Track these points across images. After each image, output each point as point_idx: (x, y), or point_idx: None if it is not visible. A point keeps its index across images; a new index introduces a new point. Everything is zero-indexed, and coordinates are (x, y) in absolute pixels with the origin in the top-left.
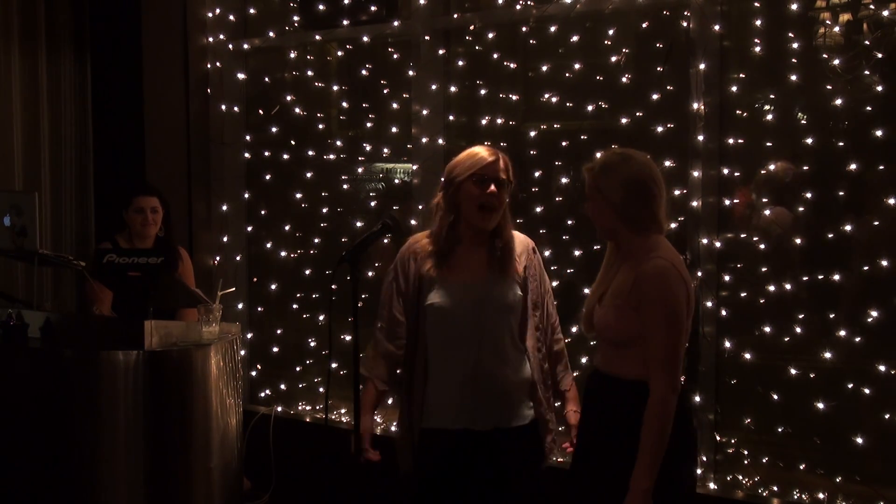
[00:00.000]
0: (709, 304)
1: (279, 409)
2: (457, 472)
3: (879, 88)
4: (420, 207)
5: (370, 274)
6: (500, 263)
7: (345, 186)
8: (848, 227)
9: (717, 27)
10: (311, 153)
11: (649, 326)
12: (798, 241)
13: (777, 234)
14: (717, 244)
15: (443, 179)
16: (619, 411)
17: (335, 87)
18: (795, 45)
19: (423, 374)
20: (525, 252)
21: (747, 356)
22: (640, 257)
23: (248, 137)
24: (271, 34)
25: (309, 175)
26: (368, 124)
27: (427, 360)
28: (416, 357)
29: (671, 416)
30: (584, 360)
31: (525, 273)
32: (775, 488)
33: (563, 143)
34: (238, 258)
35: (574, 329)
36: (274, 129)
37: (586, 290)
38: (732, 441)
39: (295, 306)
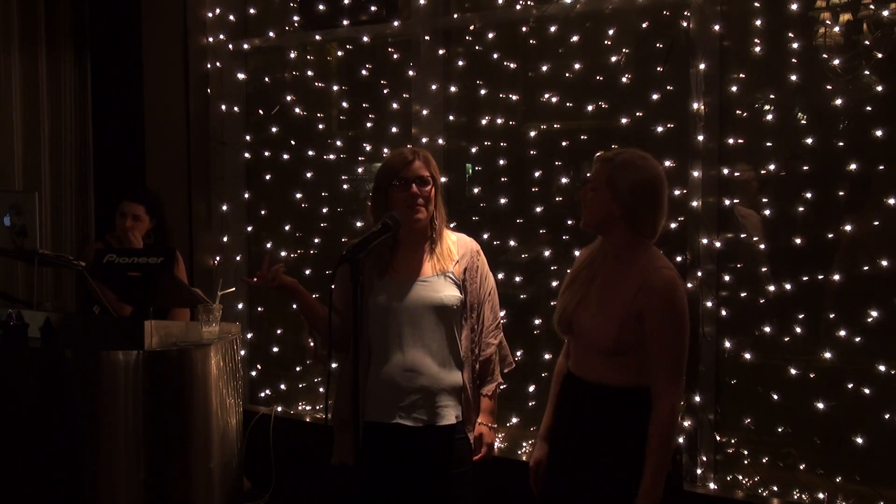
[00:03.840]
0: (709, 304)
1: (279, 409)
2: (390, 465)
3: (879, 88)
4: None
5: None
6: (439, 263)
7: (345, 186)
8: (848, 227)
9: (717, 27)
10: (311, 153)
11: (659, 338)
12: (799, 241)
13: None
14: (717, 244)
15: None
16: (615, 421)
17: (335, 87)
18: (795, 45)
19: (366, 369)
20: (467, 254)
21: (747, 356)
22: (638, 265)
23: (248, 137)
24: (271, 34)
25: (309, 175)
26: (368, 124)
27: (370, 355)
28: (361, 352)
29: (677, 429)
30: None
31: (464, 275)
32: (775, 488)
33: (563, 143)
34: (238, 258)
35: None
36: (274, 129)
37: None
38: (732, 441)
39: (295, 306)
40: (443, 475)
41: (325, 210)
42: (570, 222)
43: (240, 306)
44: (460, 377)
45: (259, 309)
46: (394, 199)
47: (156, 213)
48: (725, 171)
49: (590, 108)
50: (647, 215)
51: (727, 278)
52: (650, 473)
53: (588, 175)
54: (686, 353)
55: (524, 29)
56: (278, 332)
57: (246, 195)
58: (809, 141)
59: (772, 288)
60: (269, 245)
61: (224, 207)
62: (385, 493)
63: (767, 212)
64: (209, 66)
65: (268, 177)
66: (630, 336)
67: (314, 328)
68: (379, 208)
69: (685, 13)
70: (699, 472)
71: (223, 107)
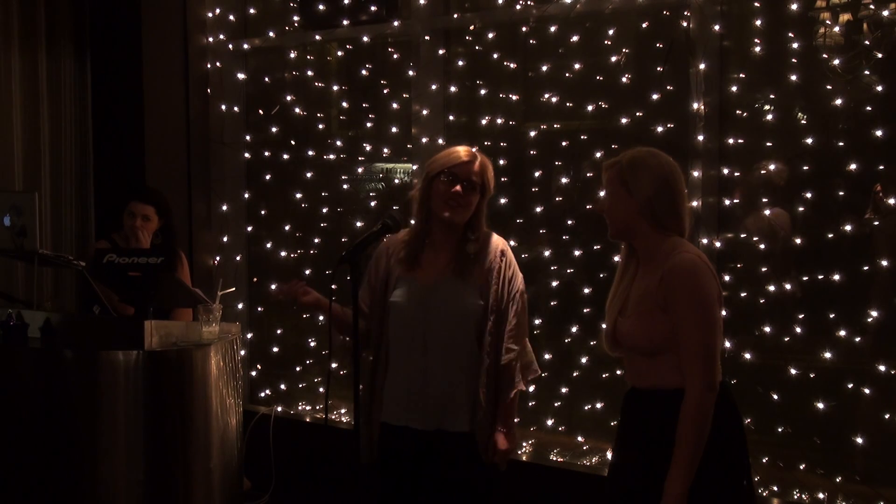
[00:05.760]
0: None
1: (279, 409)
2: (404, 467)
3: (879, 88)
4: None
5: None
6: (462, 267)
7: (345, 186)
8: (848, 227)
9: (717, 27)
10: (311, 153)
11: (681, 322)
12: (798, 240)
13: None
14: (718, 244)
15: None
16: (663, 425)
17: (335, 87)
18: (795, 45)
19: (384, 368)
20: (491, 255)
21: (747, 356)
22: (663, 257)
23: (248, 137)
24: (271, 34)
25: (309, 175)
26: (368, 124)
27: (388, 355)
28: (380, 351)
29: (709, 416)
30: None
31: (487, 278)
32: (775, 488)
33: (563, 143)
34: (238, 258)
35: (575, 329)
36: (274, 129)
37: (586, 290)
38: None
39: (295, 306)
40: (455, 480)
41: (325, 210)
42: (570, 222)
43: (240, 306)
44: (477, 382)
45: (259, 309)
46: (435, 191)
47: (164, 213)
48: (725, 171)
49: (590, 108)
50: (667, 206)
51: (727, 278)
52: (673, 471)
53: (600, 182)
54: (714, 338)
55: (524, 29)
56: (278, 332)
57: (246, 195)
58: (809, 141)
59: (772, 288)
60: (269, 245)
61: (224, 207)
62: (396, 495)
63: (767, 212)
64: (209, 66)
65: (268, 177)
66: (662, 331)
67: (340, 332)
68: (422, 197)
69: (685, 13)
70: None
71: (223, 107)
